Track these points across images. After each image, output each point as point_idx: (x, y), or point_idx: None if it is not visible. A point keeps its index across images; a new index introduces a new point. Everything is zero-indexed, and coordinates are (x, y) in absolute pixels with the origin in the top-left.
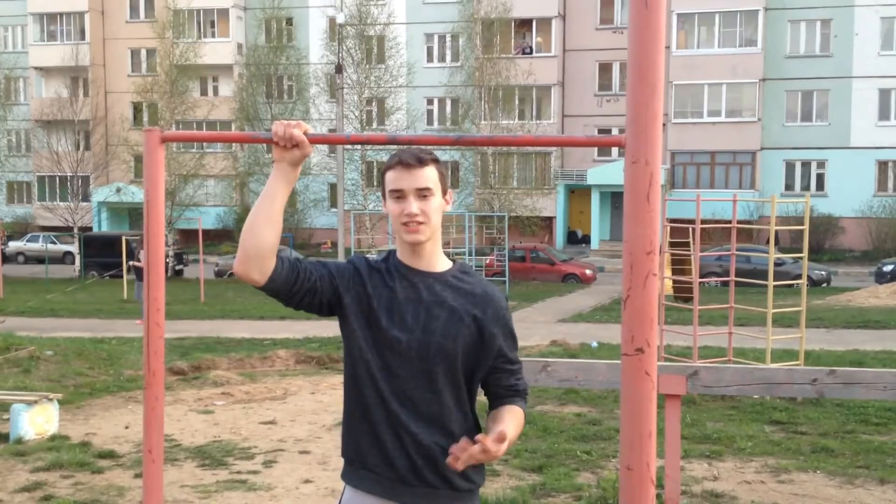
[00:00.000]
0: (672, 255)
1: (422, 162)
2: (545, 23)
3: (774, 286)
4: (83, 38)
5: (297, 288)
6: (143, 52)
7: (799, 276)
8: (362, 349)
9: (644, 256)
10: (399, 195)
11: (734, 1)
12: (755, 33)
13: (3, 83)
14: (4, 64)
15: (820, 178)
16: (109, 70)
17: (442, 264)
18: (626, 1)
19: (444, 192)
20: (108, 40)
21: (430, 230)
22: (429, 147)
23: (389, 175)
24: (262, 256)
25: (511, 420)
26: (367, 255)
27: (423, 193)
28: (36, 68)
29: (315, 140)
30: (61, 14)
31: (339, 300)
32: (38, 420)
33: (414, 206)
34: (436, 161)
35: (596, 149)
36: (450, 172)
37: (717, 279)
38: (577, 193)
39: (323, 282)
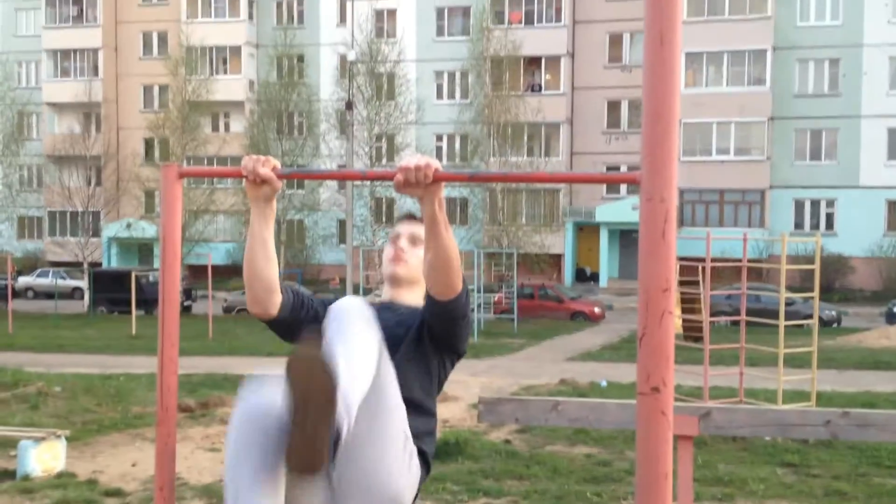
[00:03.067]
0: (681, 293)
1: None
2: (554, 61)
3: (785, 326)
4: (96, 74)
5: (304, 315)
6: (156, 89)
7: (809, 316)
8: None
9: (660, 294)
10: (395, 237)
11: (742, 40)
12: (763, 72)
13: (16, 119)
14: (18, 100)
15: (829, 217)
16: (122, 106)
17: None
18: (634, 40)
19: None
20: (122, 77)
21: (409, 270)
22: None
23: (396, 226)
24: (270, 291)
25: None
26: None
27: (415, 239)
28: (49, 104)
29: (283, 176)
30: (75, 51)
31: None
32: (45, 457)
33: (404, 242)
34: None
35: (605, 186)
36: (458, 209)
37: (726, 318)
38: (586, 231)
39: (320, 309)
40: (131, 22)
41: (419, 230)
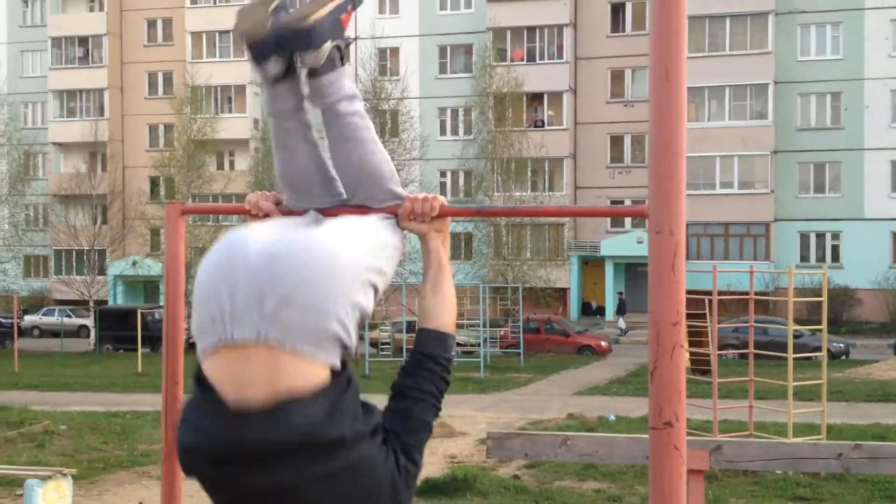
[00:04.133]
0: (688, 326)
1: None
2: (556, 96)
3: (794, 358)
4: (102, 114)
5: None
6: (161, 128)
7: (817, 349)
8: None
9: (670, 327)
10: None
11: (744, 75)
12: (766, 106)
13: (23, 159)
14: (24, 140)
15: (835, 249)
16: (128, 145)
17: None
18: (636, 75)
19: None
20: (127, 116)
21: None
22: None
23: None
24: None
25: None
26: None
27: None
28: (55, 144)
29: (286, 211)
30: (81, 91)
31: None
32: (51, 496)
33: None
34: None
35: (609, 220)
36: (462, 244)
37: (734, 351)
38: (591, 265)
39: None
40: (137, 62)
41: None
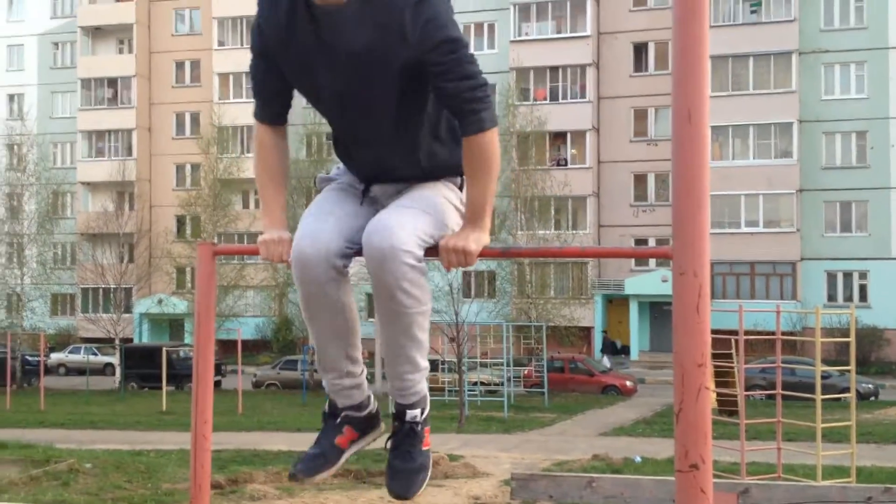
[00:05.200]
0: (715, 367)
1: None
2: (580, 135)
3: (822, 400)
4: (130, 154)
5: (290, 99)
6: (188, 167)
7: (846, 390)
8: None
9: (695, 369)
10: None
11: (768, 114)
12: (790, 145)
13: (52, 198)
14: (53, 179)
15: (862, 288)
16: (155, 184)
17: None
18: (658, 114)
19: None
20: (155, 156)
21: None
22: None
23: None
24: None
25: (475, 192)
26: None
27: None
28: (83, 183)
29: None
30: (110, 131)
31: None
32: None
33: None
34: None
35: (633, 258)
36: (486, 282)
37: (761, 392)
38: (615, 303)
39: (278, 84)
40: (165, 103)
41: None
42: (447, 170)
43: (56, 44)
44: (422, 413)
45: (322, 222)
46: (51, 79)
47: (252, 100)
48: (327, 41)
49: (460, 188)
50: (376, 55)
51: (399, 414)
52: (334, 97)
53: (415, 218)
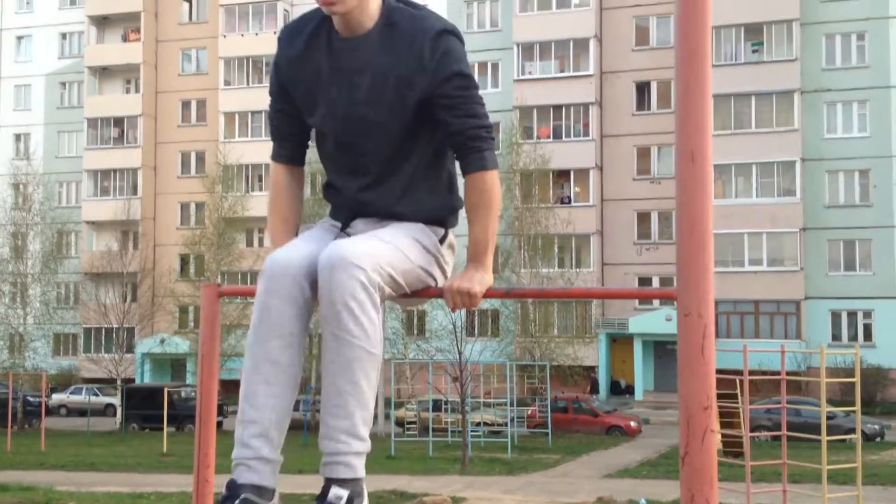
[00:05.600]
0: (719, 407)
1: None
2: (583, 173)
3: (828, 441)
4: (135, 193)
5: (308, 141)
6: (193, 206)
7: (851, 430)
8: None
9: (701, 412)
10: None
11: (770, 152)
12: (793, 183)
13: (56, 237)
14: (58, 219)
15: (867, 328)
16: (159, 223)
17: (369, 24)
18: (661, 152)
19: None
20: (160, 195)
21: (349, 1)
22: None
23: None
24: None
25: (476, 231)
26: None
27: None
28: (88, 222)
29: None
30: (115, 170)
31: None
32: None
33: None
34: None
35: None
36: (489, 321)
37: (767, 433)
38: (619, 342)
39: (298, 120)
40: (170, 142)
41: None
42: (432, 220)
43: (63, 83)
44: (349, 501)
45: (298, 246)
46: (57, 118)
47: (256, 138)
48: (346, 66)
49: (442, 240)
50: (393, 78)
51: (323, 492)
52: (343, 118)
53: (372, 244)
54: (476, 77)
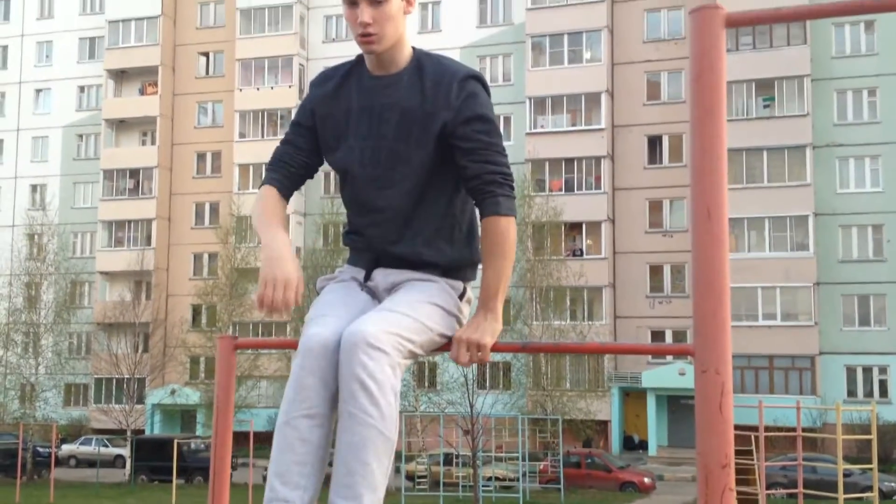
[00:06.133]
0: (735, 464)
1: None
2: (595, 226)
3: (844, 499)
4: (149, 243)
5: (303, 182)
6: (206, 257)
7: (868, 488)
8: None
9: (719, 470)
10: (351, 1)
11: (783, 207)
12: (806, 238)
13: (70, 287)
14: (72, 269)
15: (882, 384)
16: (172, 274)
17: (401, 65)
18: (673, 206)
19: None
20: (173, 245)
21: (386, 40)
22: None
23: None
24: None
25: (487, 276)
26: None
27: (376, 0)
28: (102, 273)
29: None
30: (130, 221)
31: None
32: None
33: (366, 14)
34: None
35: None
36: (501, 373)
37: (783, 491)
38: (633, 396)
39: (312, 159)
40: (185, 194)
41: None
42: (450, 271)
43: (80, 135)
44: None
45: (331, 321)
46: (73, 170)
47: None
48: (376, 102)
49: (461, 295)
50: (420, 114)
51: None
52: (372, 153)
53: (393, 319)
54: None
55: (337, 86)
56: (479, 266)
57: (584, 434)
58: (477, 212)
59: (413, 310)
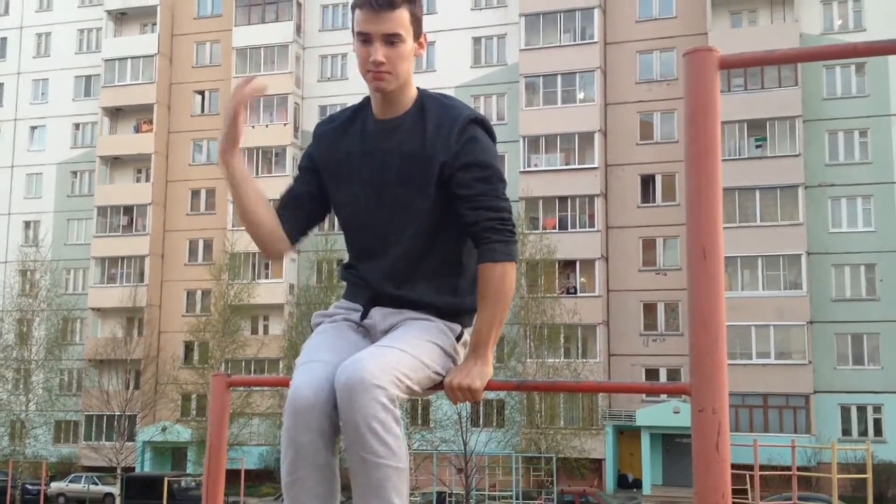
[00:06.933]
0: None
1: (391, 5)
2: (589, 264)
3: None
4: (142, 280)
5: (312, 225)
6: (199, 293)
7: None
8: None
9: None
10: (365, 38)
11: (776, 246)
12: (799, 276)
13: (61, 324)
14: (64, 305)
15: (877, 422)
16: (165, 310)
17: (405, 107)
18: (667, 244)
19: (417, 37)
20: (166, 282)
21: (397, 80)
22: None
23: (357, 14)
24: (273, 234)
25: (480, 321)
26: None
27: (390, 39)
28: (94, 309)
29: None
30: (122, 258)
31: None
32: None
33: (380, 53)
34: (409, 2)
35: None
36: (494, 411)
37: None
38: (626, 435)
39: (315, 203)
40: (178, 230)
41: (390, 20)
42: (449, 315)
43: (75, 172)
44: None
45: (317, 369)
46: (67, 206)
47: None
48: (379, 147)
49: (458, 338)
50: (421, 158)
51: None
52: (374, 197)
53: (391, 356)
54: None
55: (340, 129)
56: None
57: (579, 473)
58: None
59: (412, 347)
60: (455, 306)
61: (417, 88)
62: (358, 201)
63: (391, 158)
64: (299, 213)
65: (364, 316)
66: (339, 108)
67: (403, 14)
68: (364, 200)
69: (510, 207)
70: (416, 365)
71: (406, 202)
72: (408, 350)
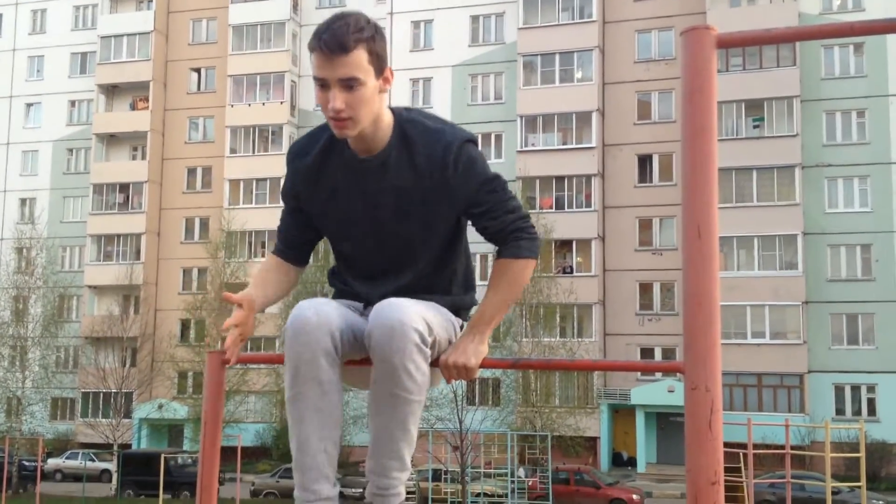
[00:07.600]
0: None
1: (344, 48)
2: (585, 244)
3: None
4: (138, 258)
5: (311, 248)
6: (195, 271)
7: None
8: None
9: (709, 487)
10: (322, 84)
11: (772, 226)
12: (795, 257)
13: (58, 301)
14: (60, 283)
15: (871, 402)
16: (161, 288)
17: (384, 140)
18: (663, 224)
19: (380, 73)
20: (162, 260)
21: (360, 125)
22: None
23: (312, 58)
24: (292, 283)
25: (486, 303)
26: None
27: (348, 84)
28: (90, 287)
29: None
30: (119, 235)
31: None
32: None
33: (338, 100)
34: (366, 40)
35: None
36: (490, 390)
37: None
38: (621, 413)
39: (307, 229)
40: (175, 208)
41: (344, 64)
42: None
43: (70, 150)
44: None
45: (321, 301)
46: (63, 184)
47: (261, 205)
48: (369, 187)
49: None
50: (419, 193)
51: None
52: (372, 236)
53: (422, 305)
54: (480, 147)
55: (317, 164)
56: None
57: (574, 451)
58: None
59: (431, 307)
60: (454, 304)
61: (392, 111)
62: (355, 239)
63: (385, 198)
64: (306, 246)
65: (366, 307)
66: None
67: (359, 55)
68: (361, 237)
69: (521, 204)
70: (440, 322)
71: (407, 238)
72: (430, 308)
